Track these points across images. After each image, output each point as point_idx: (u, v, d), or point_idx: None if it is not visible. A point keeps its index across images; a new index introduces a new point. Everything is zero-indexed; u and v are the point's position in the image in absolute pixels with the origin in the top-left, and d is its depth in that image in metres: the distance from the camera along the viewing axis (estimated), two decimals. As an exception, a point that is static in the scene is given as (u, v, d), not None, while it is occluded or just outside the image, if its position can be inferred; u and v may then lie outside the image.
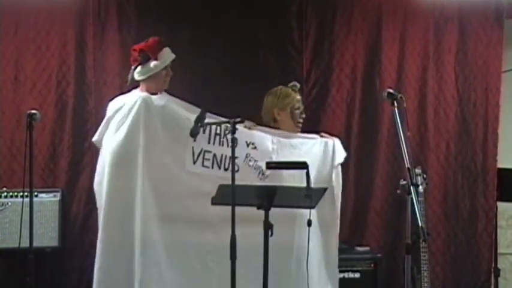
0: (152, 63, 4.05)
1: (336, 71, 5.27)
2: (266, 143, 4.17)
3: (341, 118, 5.21)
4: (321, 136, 4.36)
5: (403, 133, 3.64)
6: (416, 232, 3.45)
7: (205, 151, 4.02)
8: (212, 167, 4.00)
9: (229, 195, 3.35)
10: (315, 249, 4.08)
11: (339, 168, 4.29)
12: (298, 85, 4.49)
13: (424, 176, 4.88)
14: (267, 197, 3.45)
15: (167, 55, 4.11)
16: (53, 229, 4.65)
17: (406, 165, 3.56)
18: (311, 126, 4.67)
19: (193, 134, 3.67)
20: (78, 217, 4.92)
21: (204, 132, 3.95)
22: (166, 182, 3.92)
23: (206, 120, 3.70)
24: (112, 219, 3.85)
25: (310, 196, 3.37)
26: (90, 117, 4.96)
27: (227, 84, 5.00)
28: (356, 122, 5.25)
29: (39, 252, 4.39)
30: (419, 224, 3.37)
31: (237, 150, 3.98)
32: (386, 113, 5.21)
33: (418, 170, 4.84)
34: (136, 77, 4.11)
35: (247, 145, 4.13)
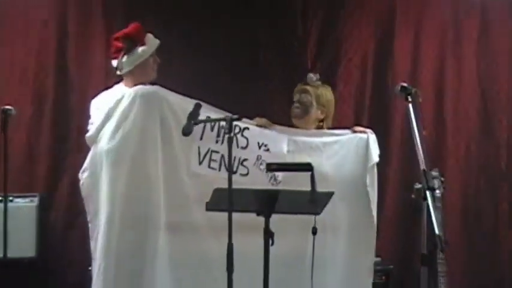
0: (140, 49, 4.03)
1: (344, 63, 5.28)
2: (280, 145, 4.16)
3: (349, 115, 5.21)
4: (354, 131, 4.28)
5: (418, 132, 3.63)
6: (433, 241, 3.44)
7: (212, 151, 4.01)
8: (219, 169, 3.99)
9: (226, 200, 3.35)
10: (341, 260, 4.10)
11: (375, 168, 4.24)
12: (311, 76, 4.38)
13: (442, 179, 4.86)
14: (268, 202, 3.44)
15: (152, 40, 4.10)
16: (30, 238, 4.65)
17: (422, 167, 3.55)
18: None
19: (186, 132, 3.64)
20: (58, 225, 4.92)
21: (212, 130, 3.95)
22: (171, 185, 3.92)
23: (202, 117, 3.69)
24: (119, 226, 3.82)
25: (315, 201, 3.36)
26: (72, 114, 4.95)
27: (224, 78, 5.03)
28: (366, 119, 5.25)
29: (14, 264, 4.39)
30: (436, 232, 3.36)
31: (247, 151, 4.01)
32: (400, 110, 5.21)
33: (434, 173, 4.82)
34: (125, 68, 4.07)
35: (259, 146, 4.12)
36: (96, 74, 4.98)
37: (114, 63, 4.06)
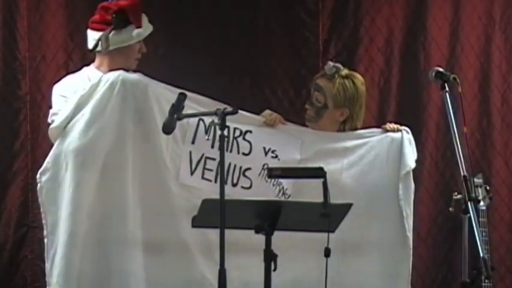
0: (135, 32, 4.05)
1: (364, 43, 5.29)
2: (292, 151, 4.17)
3: (371, 108, 5.21)
4: (385, 130, 4.28)
5: (458, 128, 3.65)
6: (477, 266, 3.46)
7: (207, 158, 4.03)
8: (215, 181, 3.97)
9: (217, 215, 3.35)
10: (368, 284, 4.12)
11: (410, 175, 4.25)
12: (330, 66, 4.33)
13: (487, 187, 4.89)
14: (269, 217, 3.45)
15: (147, 23, 4.13)
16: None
17: (462, 173, 3.57)
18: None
19: (168, 129, 3.66)
20: (6, 245, 4.92)
21: (206, 133, 3.94)
22: (152, 195, 3.93)
23: (189, 111, 3.70)
24: (82, 246, 3.82)
25: (328, 215, 3.37)
26: (23, 106, 4.96)
27: (216, 67, 5.08)
28: (392, 113, 5.26)
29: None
30: (481, 255, 3.38)
31: (250, 159, 4.03)
32: (434, 101, 5.23)
33: (478, 180, 4.84)
34: (111, 45, 4.04)
35: (266, 153, 4.13)
36: (52, 56, 4.98)
37: (92, 34, 4.07)
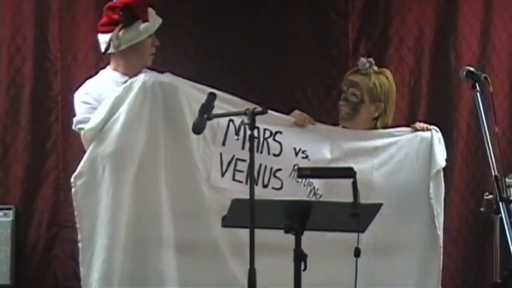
0: (142, 26, 4.02)
1: (395, 43, 5.27)
2: (322, 151, 4.17)
3: (402, 107, 5.19)
4: (414, 129, 4.29)
5: (489, 128, 3.63)
6: (508, 267, 3.44)
7: (237, 159, 4.04)
8: (246, 182, 3.99)
9: (247, 214, 3.36)
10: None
11: (441, 174, 4.26)
12: (363, 61, 4.32)
13: (519, 187, 4.86)
14: (299, 217, 3.45)
15: (154, 16, 4.09)
16: (4, 261, 4.70)
17: (493, 173, 3.54)
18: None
19: (198, 129, 3.66)
20: (38, 244, 4.96)
21: (237, 134, 3.96)
22: (183, 194, 3.94)
23: (219, 111, 3.70)
24: (123, 249, 3.83)
25: (357, 215, 3.36)
26: (54, 107, 5.00)
27: (246, 67, 5.09)
28: (422, 112, 5.25)
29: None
30: (512, 255, 3.36)
31: (281, 160, 4.04)
32: (465, 101, 5.20)
33: (510, 180, 4.80)
34: (123, 44, 4.00)
35: (296, 153, 4.14)
36: (83, 57, 5.01)
37: (103, 38, 4.04)
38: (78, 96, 4.02)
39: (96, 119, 3.85)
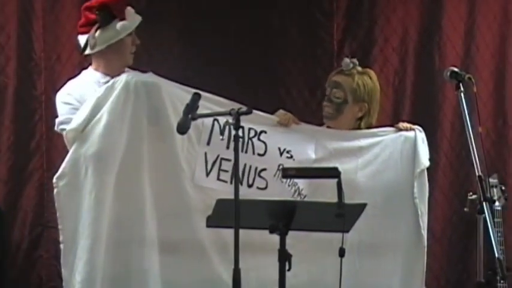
0: (119, 24, 3.99)
1: (379, 43, 5.29)
2: (306, 151, 4.18)
3: (386, 107, 5.21)
4: (397, 129, 4.30)
5: (473, 128, 3.64)
6: (492, 266, 3.44)
7: (222, 159, 4.03)
8: (231, 182, 3.97)
9: (231, 214, 3.36)
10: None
11: (425, 173, 4.27)
12: (347, 62, 4.33)
13: (503, 187, 4.87)
14: (284, 217, 3.45)
15: (133, 15, 4.07)
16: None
17: (477, 173, 3.56)
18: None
19: (182, 129, 3.65)
20: (22, 245, 4.94)
21: (221, 133, 3.95)
22: (167, 194, 3.93)
23: (203, 111, 3.69)
24: (105, 250, 3.81)
25: (342, 215, 3.37)
26: (38, 107, 4.98)
27: (231, 66, 5.08)
28: (407, 112, 5.27)
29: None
30: (496, 255, 3.37)
31: (265, 159, 4.04)
32: (450, 101, 5.22)
33: (493, 180, 4.83)
34: (99, 45, 3.99)
35: (281, 153, 4.14)
36: (68, 56, 5.00)
37: (82, 39, 4.04)
38: (60, 97, 4.00)
39: (78, 119, 3.83)
